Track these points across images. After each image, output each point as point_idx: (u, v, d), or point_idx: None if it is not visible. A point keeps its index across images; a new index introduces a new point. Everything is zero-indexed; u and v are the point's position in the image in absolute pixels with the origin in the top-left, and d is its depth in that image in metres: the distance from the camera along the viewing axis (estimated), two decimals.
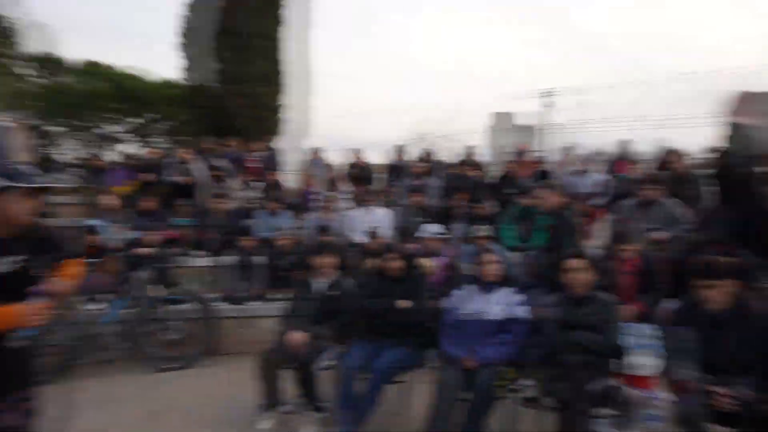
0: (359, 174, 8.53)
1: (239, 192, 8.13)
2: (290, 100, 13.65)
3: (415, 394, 3.78)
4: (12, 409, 2.21)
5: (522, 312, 3.61)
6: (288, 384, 3.93)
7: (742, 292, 2.98)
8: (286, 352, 3.85)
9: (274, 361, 3.87)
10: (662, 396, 3.92)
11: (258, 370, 3.86)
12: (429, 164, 8.18)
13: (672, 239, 5.39)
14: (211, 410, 4.24)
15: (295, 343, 3.82)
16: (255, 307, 5.93)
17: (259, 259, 6.24)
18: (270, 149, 10.02)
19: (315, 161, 8.89)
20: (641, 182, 5.88)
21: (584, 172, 7.42)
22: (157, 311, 5.31)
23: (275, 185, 8.26)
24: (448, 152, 12.93)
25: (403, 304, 3.88)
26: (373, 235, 5.80)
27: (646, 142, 8.69)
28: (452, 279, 5.42)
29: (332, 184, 8.08)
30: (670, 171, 6.65)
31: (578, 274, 3.44)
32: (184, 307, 5.54)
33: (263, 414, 3.86)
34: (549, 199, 5.87)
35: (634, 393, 3.64)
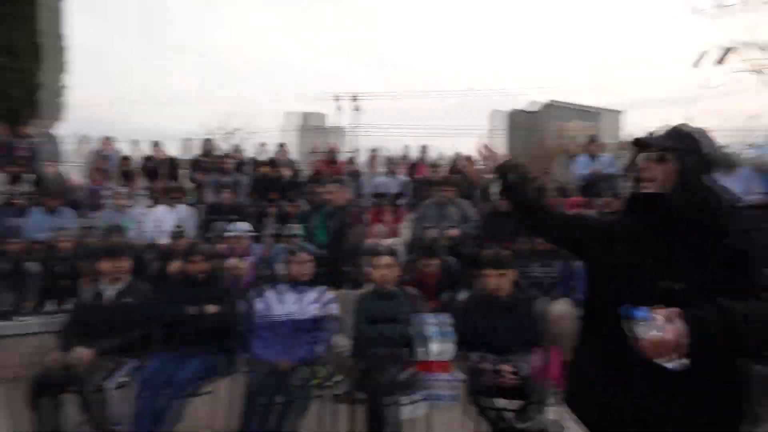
0: (158, 168, 7.77)
1: (2, 185, 6.78)
2: (53, 78, 11.72)
3: (224, 403, 3.55)
4: None
5: (334, 310, 3.65)
6: (69, 410, 3.38)
7: (517, 280, 3.44)
8: (66, 372, 3.30)
9: (51, 384, 3.28)
10: (456, 377, 4.35)
11: (28, 397, 3.24)
12: (237, 161, 7.83)
13: (463, 235, 6.01)
14: None
15: (77, 362, 3.30)
16: (26, 322, 4.99)
17: (31, 266, 5.26)
18: (44, 135, 8.53)
19: (104, 152, 7.84)
20: (438, 184, 6.43)
21: (390, 173, 7.87)
22: None
23: (52, 178, 7.07)
24: (253, 149, 12.60)
25: (210, 309, 3.62)
26: (175, 235, 5.33)
27: (439, 148, 9.52)
28: (262, 279, 5.28)
29: (125, 179, 7.21)
30: (462, 175, 7.42)
31: (384, 270, 3.60)
32: None
33: None
34: (337, 195, 6.07)
35: (433, 378, 3.98)
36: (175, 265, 3.89)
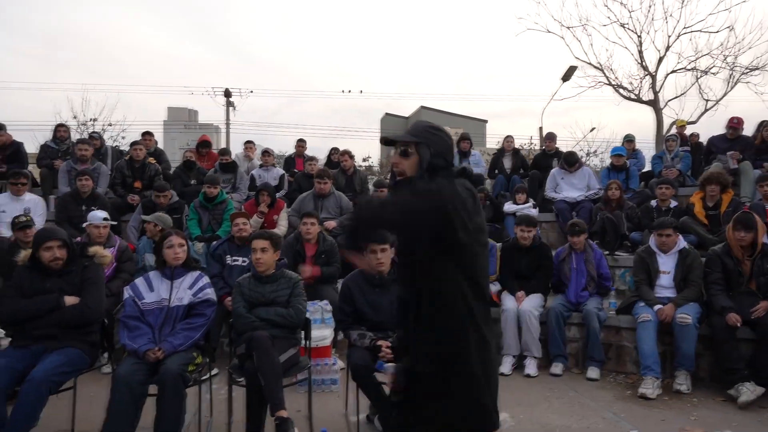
0: (3, 154, 6.83)
1: None
2: None
3: (89, 400, 3.27)
4: None
5: (210, 294, 3.52)
6: None
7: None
8: None
9: None
10: (337, 362, 4.44)
11: None
12: (94, 147, 7.16)
13: (340, 225, 6.13)
14: None
15: None
16: None
17: None
18: None
19: None
20: (316, 177, 6.47)
21: (265, 166, 7.74)
22: None
23: None
24: (120, 140, 11.60)
25: (70, 300, 3.30)
26: (19, 225, 4.74)
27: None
28: (128, 269, 4.93)
29: None
30: (340, 169, 7.55)
31: (261, 254, 3.56)
32: None
33: None
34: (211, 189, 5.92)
35: (314, 363, 4.02)
36: (24, 253, 3.47)
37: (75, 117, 18.12)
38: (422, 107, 43.09)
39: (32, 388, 2.90)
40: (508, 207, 6.94)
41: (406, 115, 46.40)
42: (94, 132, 8.20)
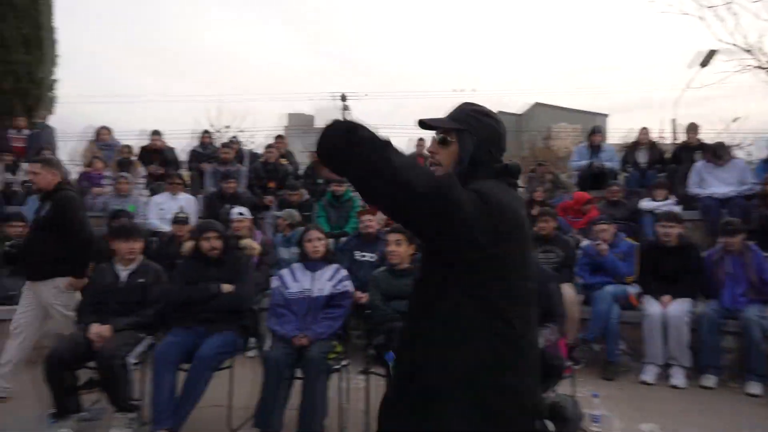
0: (159, 158, 7.72)
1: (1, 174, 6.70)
2: (56, 73, 11.53)
3: (242, 380, 3.57)
4: None
5: (349, 287, 3.68)
6: (85, 386, 3.37)
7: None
8: (83, 349, 3.29)
9: (64, 361, 3.27)
10: None
11: (44, 374, 3.22)
12: (234, 151, 7.82)
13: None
14: None
15: (96, 338, 3.29)
16: None
17: None
18: (40, 126, 8.44)
19: (102, 142, 7.77)
20: None
21: None
22: None
23: None
24: (250, 144, 12.50)
25: (226, 288, 3.63)
26: (178, 220, 5.31)
27: None
28: (268, 262, 5.30)
29: (124, 168, 7.16)
30: None
31: (395, 247, 3.64)
32: None
33: (56, 424, 3.24)
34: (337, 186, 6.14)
35: None
36: (188, 245, 3.88)
37: (211, 125, 19.89)
38: (537, 104, 41.51)
39: (199, 364, 3.24)
40: (646, 204, 6.45)
41: (520, 113, 45.02)
42: (233, 137, 8.94)
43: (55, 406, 3.26)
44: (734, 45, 15.51)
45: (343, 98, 25.43)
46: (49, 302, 3.89)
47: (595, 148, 7.47)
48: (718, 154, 6.40)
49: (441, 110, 1.47)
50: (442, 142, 1.41)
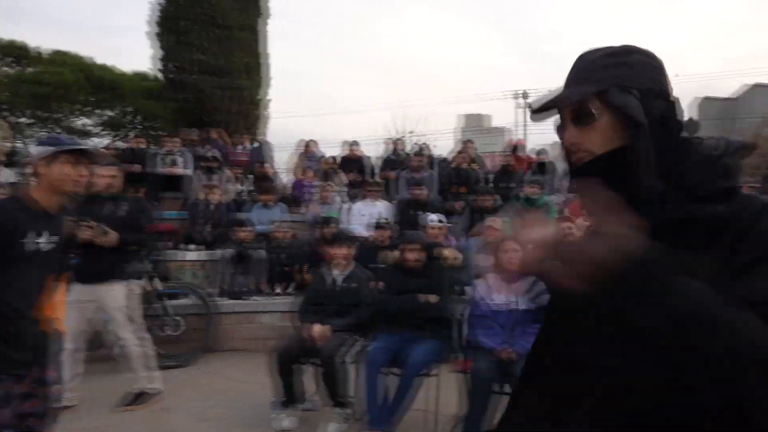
0: (356, 166, 8.33)
1: (229, 184, 7.84)
2: (269, 94, 13.27)
3: (447, 388, 3.62)
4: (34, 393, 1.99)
5: (546, 301, 3.49)
6: (306, 380, 3.74)
7: None
8: (304, 346, 3.65)
9: (292, 355, 3.65)
10: None
11: (274, 366, 3.64)
12: (426, 158, 8.04)
13: None
14: (220, 410, 3.99)
15: (316, 336, 3.63)
16: (255, 301, 5.69)
17: (257, 253, 5.98)
18: (257, 142, 9.71)
19: (307, 154, 8.65)
20: None
21: None
22: (154, 306, 5.00)
23: (266, 178, 8.00)
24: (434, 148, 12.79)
25: (431, 299, 3.71)
26: (380, 226, 5.62)
27: None
28: (463, 269, 5.32)
29: (327, 177, 7.86)
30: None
31: None
32: (182, 301, 5.25)
33: (281, 412, 3.64)
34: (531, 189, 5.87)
35: None
36: (393, 254, 4.08)
37: (397, 131, 20.91)
38: (755, 85, 35.43)
39: (411, 370, 3.38)
40: None
41: (734, 97, 38.85)
42: (423, 144, 9.24)
43: (284, 395, 3.67)
44: None
45: (525, 96, 24.69)
46: (116, 305, 3.79)
47: None
48: None
49: None
50: (583, 123, 0.87)
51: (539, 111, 0.92)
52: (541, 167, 7.38)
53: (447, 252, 4.06)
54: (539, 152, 7.71)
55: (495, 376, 3.21)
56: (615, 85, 0.85)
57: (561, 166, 7.85)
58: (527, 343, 3.29)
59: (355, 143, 8.41)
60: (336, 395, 3.59)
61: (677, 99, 0.89)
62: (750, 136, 23.22)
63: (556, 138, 0.97)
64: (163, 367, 4.78)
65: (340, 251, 4.07)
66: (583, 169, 0.88)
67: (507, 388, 3.18)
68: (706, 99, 40.08)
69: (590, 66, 0.89)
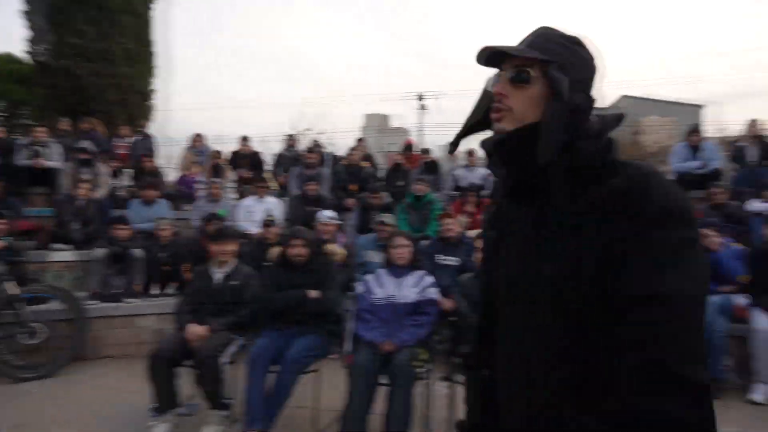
0: (248, 162, 8.09)
1: (104, 179, 7.28)
2: (157, 84, 12.48)
3: (328, 383, 3.64)
4: None
5: (433, 294, 3.64)
6: (183, 383, 3.58)
7: None
8: (181, 348, 3.50)
9: (167, 359, 3.48)
10: None
11: (148, 371, 3.45)
12: (320, 154, 8.02)
13: None
14: (85, 423, 3.70)
15: (194, 338, 3.48)
16: (132, 304, 5.33)
17: (136, 252, 5.60)
18: (141, 134, 9.11)
19: (196, 148, 8.26)
20: None
21: (469, 166, 7.79)
22: (13, 312, 4.51)
23: (150, 172, 7.53)
24: (331, 146, 12.81)
25: (314, 294, 3.70)
26: (266, 223, 5.52)
27: None
28: (351, 264, 5.38)
29: (216, 172, 7.57)
30: None
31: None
32: (46, 306, 4.79)
33: (157, 418, 3.46)
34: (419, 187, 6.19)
35: None
36: (275, 250, 4.01)
37: (294, 128, 20.62)
38: (624, 96, 39.29)
39: (289, 366, 3.34)
40: (754, 205, 5.90)
41: (604, 106, 42.81)
42: (316, 141, 9.19)
43: (158, 400, 3.48)
44: None
45: (420, 98, 25.42)
46: None
47: (695, 149, 6.91)
48: None
49: None
50: (517, 80, 0.96)
51: (488, 58, 0.99)
52: (428, 166, 7.64)
53: (334, 248, 4.07)
54: (423, 151, 7.98)
55: (376, 369, 3.28)
56: (558, 63, 0.93)
57: (446, 166, 8.21)
58: (408, 336, 3.41)
59: (245, 138, 8.18)
60: (215, 397, 3.47)
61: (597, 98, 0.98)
62: (625, 144, 25.77)
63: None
64: (20, 380, 4.37)
65: (222, 248, 3.94)
66: (498, 142, 0.98)
67: (386, 380, 3.25)
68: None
69: (546, 39, 0.97)
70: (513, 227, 1.02)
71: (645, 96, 36.98)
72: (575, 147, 0.92)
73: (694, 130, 7.09)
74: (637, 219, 0.84)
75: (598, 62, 1.00)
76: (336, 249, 4.16)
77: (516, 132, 0.95)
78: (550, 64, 0.93)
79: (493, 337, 1.08)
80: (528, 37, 0.99)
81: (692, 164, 6.82)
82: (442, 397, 3.53)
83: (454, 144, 1.12)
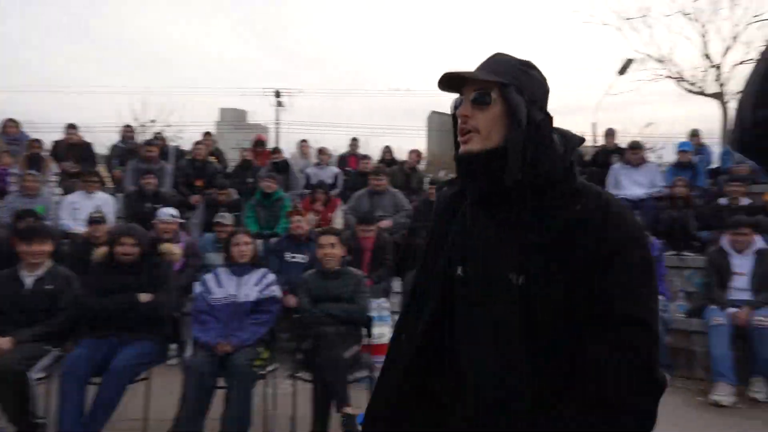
0: (75, 154, 7.22)
1: None
2: None
3: (160, 392, 3.40)
4: None
5: (276, 291, 3.60)
6: None
7: None
8: None
9: None
10: None
11: None
12: (159, 147, 7.46)
13: (396, 224, 6.14)
14: None
15: None
16: None
17: None
18: None
19: (9, 135, 7.17)
20: (371, 175, 6.51)
21: (321, 164, 7.84)
22: None
23: None
24: (177, 140, 12.05)
25: (144, 298, 3.42)
26: (93, 220, 4.99)
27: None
28: (194, 265, 5.10)
29: (34, 164, 6.65)
30: (399, 166, 7.63)
31: (330, 249, 3.60)
32: None
33: None
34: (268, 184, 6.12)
35: (375, 360, 4.04)
36: (101, 250, 3.64)
37: (136, 119, 18.95)
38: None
39: (113, 377, 3.06)
40: None
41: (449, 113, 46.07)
42: (158, 133, 8.53)
43: None
44: (648, 55, 16.73)
45: (277, 94, 24.95)
46: None
47: None
48: (635, 146, 6.89)
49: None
50: (479, 102, 1.06)
51: (449, 83, 1.09)
52: (278, 164, 7.55)
53: (165, 247, 3.80)
54: (274, 150, 7.87)
55: (210, 371, 3.14)
56: (515, 86, 1.04)
57: (297, 164, 8.18)
58: (248, 335, 3.32)
59: (72, 126, 7.30)
60: (20, 418, 3.05)
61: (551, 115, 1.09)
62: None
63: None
64: None
65: (34, 248, 3.47)
66: (467, 160, 1.08)
67: (222, 383, 3.14)
68: (434, 113, 46.58)
69: (502, 63, 1.08)
70: (478, 231, 1.11)
71: None
72: (540, 168, 1.02)
73: None
74: (605, 244, 0.97)
75: (547, 83, 1.12)
76: (172, 248, 3.89)
77: (484, 154, 1.05)
78: (507, 86, 1.04)
79: (440, 331, 1.14)
80: (485, 62, 1.10)
81: None
82: (286, 396, 3.50)
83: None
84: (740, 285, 4.42)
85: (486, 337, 1.05)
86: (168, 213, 5.16)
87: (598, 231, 0.99)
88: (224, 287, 3.55)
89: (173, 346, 3.98)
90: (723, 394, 3.92)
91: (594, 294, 0.97)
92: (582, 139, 1.13)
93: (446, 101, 1.17)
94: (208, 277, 3.64)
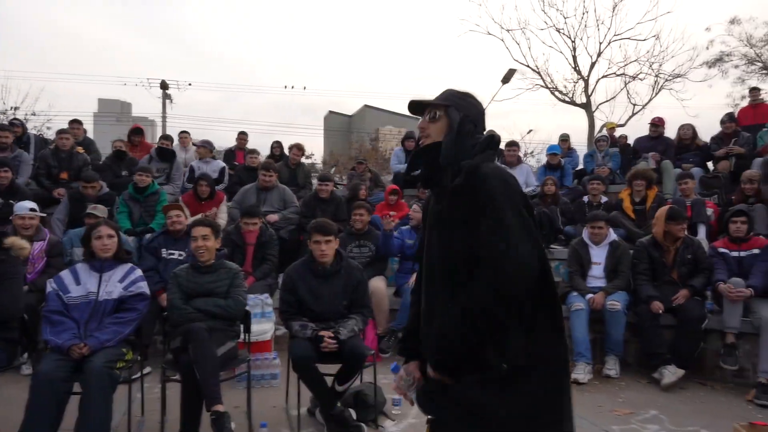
0: None
1: None
2: None
3: (5, 401, 3.04)
4: None
5: (143, 288, 3.35)
6: None
7: (340, 251, 3.58)
8: None
9: None
10: (276, 356, 4.36)
11: None
12: (14, 135, 6.69)
13: (283, 219, 6.02)
14: None
15: None
16: None
17: None
18: None
19: None
20: (262, 170, 6.32)
21: (206, 159, 7.48)
22: None
23: None
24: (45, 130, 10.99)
25: None
26: None
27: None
28: (57, 265, 4.63)
29: None
30: (285, 162, 7.49)
31: (202, 242, 3.43)
32: None
33: None
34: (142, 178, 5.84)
35: (253, 357, 3.93)
36: None
37: None
38: (366, 106, 43.08)
39: None
40: None
41: (350, 114, 46.28)
42: (15, 119, 7.63)
43: None
44: (527, 66, 18.02)
45: (164, 86, 23.40)
46: None
47: (408, 153, 7.93)
48: (512, 144, 7.43)
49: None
50: (432, 119, 1.61)
51: (414, 107, 1.67)
52: (163, 153, 7.11)
53: (10, 241, 3.39)
54: (162, 138, 7.41)
55: (63, 377, 2.85)
56: (455, 107, 1.59)
57: (182, 155, 7.76)
58: (106, 336, 3.04)
59: None
60: None
61: (493, 132, 1.71)
62: (365, 148, 28.13)
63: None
64: None
65: None
66: (423, 150, 1.61)
67: (77, 388, 2.86)
68: (332, 113, 46.48)
69: (448, 94, 1.65)
70: (430, 209, 1.65)
71: (384, 108, 41.17)
72: (459, 157, 1.52)
73: (407, 137, 8.18)
74: (473, 205, 1.44)
75: (480, 106, 1.66)
76: (21, 243, 3.48)
77: (429, 146, 1.59)
78: (449, 107, 1.59)
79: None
80: (439, 94, 1.67)
81: (402, 167, 7.84)
82: (157, 400, 3.29)
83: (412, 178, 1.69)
84: (596, 273, 4.88)
85: (427, 279, 1.61)
86: (26, 207, 4.65)
87: (467, 196, 1.46)
88: (83, 284, 3.24)
89: (25, 354, 3.59)
90: (581, 372, 4.30)
91: (473, 241, 1.42)
92: (491, 138, 1.59)
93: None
94: (64, 274, 3.31)
